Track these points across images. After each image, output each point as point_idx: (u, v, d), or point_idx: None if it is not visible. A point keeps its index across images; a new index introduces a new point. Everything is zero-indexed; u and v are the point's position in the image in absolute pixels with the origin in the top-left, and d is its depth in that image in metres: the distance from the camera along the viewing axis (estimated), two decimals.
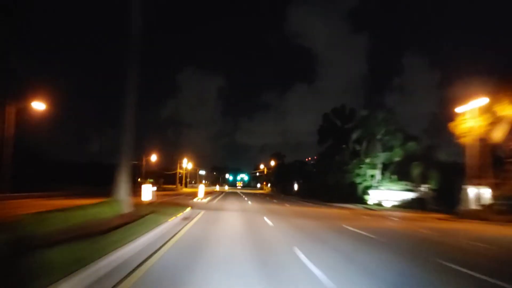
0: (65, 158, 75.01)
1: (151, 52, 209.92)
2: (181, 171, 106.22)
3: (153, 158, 65.52)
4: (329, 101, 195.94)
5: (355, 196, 36.92)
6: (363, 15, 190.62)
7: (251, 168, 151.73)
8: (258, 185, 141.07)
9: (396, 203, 32.90)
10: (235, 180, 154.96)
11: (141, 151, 67.32)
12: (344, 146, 38.56)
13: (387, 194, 34.01)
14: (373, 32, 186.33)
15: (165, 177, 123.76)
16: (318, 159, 48.29)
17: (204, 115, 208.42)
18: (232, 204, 28.96)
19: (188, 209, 19.81)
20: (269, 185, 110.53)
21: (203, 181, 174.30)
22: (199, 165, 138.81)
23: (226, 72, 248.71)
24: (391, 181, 34.22)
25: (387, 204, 33.40)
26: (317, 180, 49.43)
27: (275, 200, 40.39)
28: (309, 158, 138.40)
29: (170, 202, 25.08)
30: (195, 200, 30.44)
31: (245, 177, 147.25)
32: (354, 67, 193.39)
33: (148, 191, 22.45)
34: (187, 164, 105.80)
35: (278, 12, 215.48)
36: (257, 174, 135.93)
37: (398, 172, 34.12)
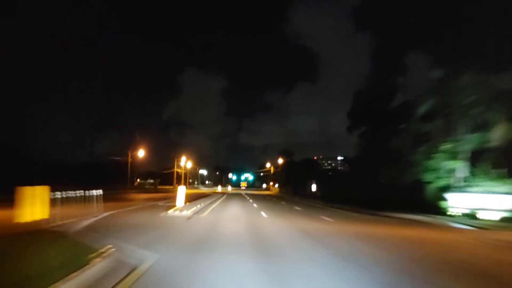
0: (57, 159, 69.36)
1: (153, 52, 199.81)
2: (179, 170, 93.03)
3: (141, 153, 52.11)
4: (332, 101, 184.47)
5: (421, 201, 23.51)
6: (366, 14, 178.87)
7: (254, 169, 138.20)
8: (264, 186, 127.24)
9: (506, 214, 19.48)
10: (239, 180, 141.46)
11: (128, 147, 54.16)
12: (403, 125, 25.01)
13: (482, 199, 20.63)
14: (376, 31, 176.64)
15: (163, 177, 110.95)
16: (359, 148, 34.37)
17: (206, 115, 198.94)
18: (235, 222, 15.62)
19: (91, 269, 6.50)
20: (276, 185, 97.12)
21: (207, 182, 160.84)
22: (200, 164, 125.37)
23: (229, 73, 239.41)
24: (491, 178, 20.89)
25: (487, 215, 20.00)
26: (350, 179, 36.14)
27: (297, 208, 27.03)
28: (315, 158, 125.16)
29: (92, 226, 11.78)
30: (169, 212, 17.05)
31: (249, 176, 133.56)
32: (357, 66, 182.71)
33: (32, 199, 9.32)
34: (185, 163, 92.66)
35: (280, 12, 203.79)
36: (262, 173, 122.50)
37: (500, 164, 20.84)
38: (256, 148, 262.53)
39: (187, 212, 16.87)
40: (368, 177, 28.62)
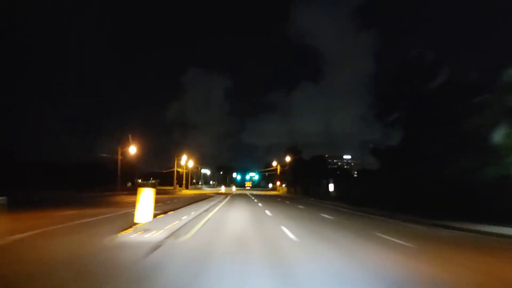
0: (56, 160, 64.80)
1: (156, 53, 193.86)
2: (180, 169, 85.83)
3: (132, 150, 44.52)
4: (336, 100, 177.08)
5: (507, 205, 15.90)
6: (369, 13, 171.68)
7: (259, 168, 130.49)
8: (270, 185, 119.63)
9: None
10: (243, 180, 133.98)
11: (117, 143, 46.72)
12: (481, 98, 17.25)
13: None
14: (379, 30, 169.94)
15: (165, 177, 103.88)
16: (404, 138, 26.38)
17: (210, 116, 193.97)
18: (244, 255, 8.11)
19: None
20: (283, 185, 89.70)
21: (211, 182, 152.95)
22: (203, 164, 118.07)
23: (232, 73, 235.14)
24: None
25: None
26: (382, 176, 28.64)
27: (326, 215, 19.47)
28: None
29: None
30: (121, 236, 9.56)
31: (255, 176, 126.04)
32: (361, 65, 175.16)
33: None
34: (186, 162, 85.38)
35: (283, 11, 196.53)
36: (267, 173, 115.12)
37: None
38: (260, 148, 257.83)
39: (155, 234, 9.34)
40: (416, 173, 21.04)
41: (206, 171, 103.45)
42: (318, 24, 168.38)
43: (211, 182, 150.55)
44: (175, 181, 76.43)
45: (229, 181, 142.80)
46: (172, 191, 70.04)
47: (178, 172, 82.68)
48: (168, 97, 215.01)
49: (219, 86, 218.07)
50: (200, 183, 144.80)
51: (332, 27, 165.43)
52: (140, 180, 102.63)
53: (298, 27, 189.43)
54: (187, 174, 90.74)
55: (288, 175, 74.60)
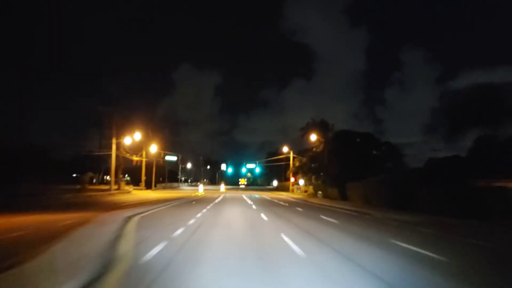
0: None
1: (146, 49, 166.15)
2: (135, 157, 49.00)
3: None
4: (328, 97, 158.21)
5: None
6: (362, 9, 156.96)
7: (259, 159, 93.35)
8: (275, 183, 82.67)
9: None
10: (238, 175, 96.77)
11: None
12: None
13: None
14: (371, 26, 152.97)
15: (133, 171, 64.90)
16: None
17: (201, 113, 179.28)
18: None
19: None
20: (301, 182, 53.24)
21: (204, 180, 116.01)
22: (186, 156, 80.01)
23: (223, 70, 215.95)
24: None
25: None
26: None
27: None
28: None
29: None
30: None
31: (256, 168, 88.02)
32: (353, 62, 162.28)
33: None
34: (146, 145, 48.66)
35: (275, 8, 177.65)
36: (270, 164, 78.81)
37: None
38: (252, 145, 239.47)
39: None
40: None
41: (172, 158, 65.94)
42: (310, 21, 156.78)
43: (204, 180, 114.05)
44: (113, 176, 39.61)
45: (219, 178, 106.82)
46: (100, 196, 33.54)
47: (118, 159, 45.82)
48: (158, 94, 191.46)
49: (210, 83, 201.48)
50: (189, 180, 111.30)
51: (324, 24, 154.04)
52: (108, 177, 66.21)
53: (290, 24, 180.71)
54: (149, 164, 53.73)
55: (329, 164, 37.71)
